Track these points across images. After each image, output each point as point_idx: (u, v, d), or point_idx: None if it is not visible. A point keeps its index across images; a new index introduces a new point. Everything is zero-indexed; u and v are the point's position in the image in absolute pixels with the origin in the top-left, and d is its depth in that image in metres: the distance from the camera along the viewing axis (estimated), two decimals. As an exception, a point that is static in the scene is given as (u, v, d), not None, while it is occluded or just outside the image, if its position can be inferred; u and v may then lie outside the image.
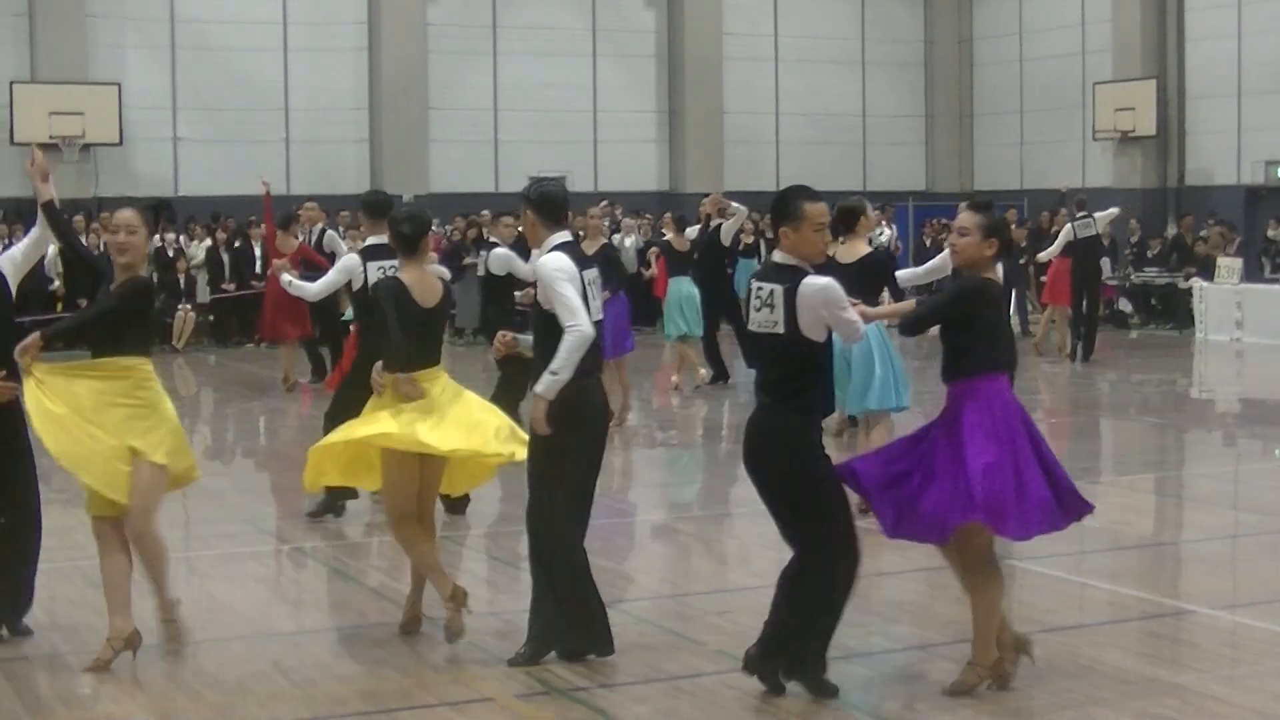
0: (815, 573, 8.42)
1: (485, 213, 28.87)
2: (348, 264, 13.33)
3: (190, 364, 28.18)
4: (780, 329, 8.35)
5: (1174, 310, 32.95)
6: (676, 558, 12.83)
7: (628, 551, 13.06)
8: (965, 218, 8.71)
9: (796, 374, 8.42)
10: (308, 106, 36.59)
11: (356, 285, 13.09)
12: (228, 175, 34.72)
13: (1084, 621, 10.40)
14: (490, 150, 38.21)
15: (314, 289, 13.64)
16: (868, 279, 12.70)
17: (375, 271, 12.62)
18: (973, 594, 8.60)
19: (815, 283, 8.33)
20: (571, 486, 9.14)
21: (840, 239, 13.24)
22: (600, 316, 9.28)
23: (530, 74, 38.31)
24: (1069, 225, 26.39)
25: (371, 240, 13.28)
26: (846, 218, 13.32)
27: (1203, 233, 33.84)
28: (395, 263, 11.35)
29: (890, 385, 13.37)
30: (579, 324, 8.90)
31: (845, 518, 8.48)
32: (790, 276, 8.36)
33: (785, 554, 11.60)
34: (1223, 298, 30.56)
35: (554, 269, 9.04)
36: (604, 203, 33.35)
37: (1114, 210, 28.02)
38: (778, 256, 8.51)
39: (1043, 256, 27.95)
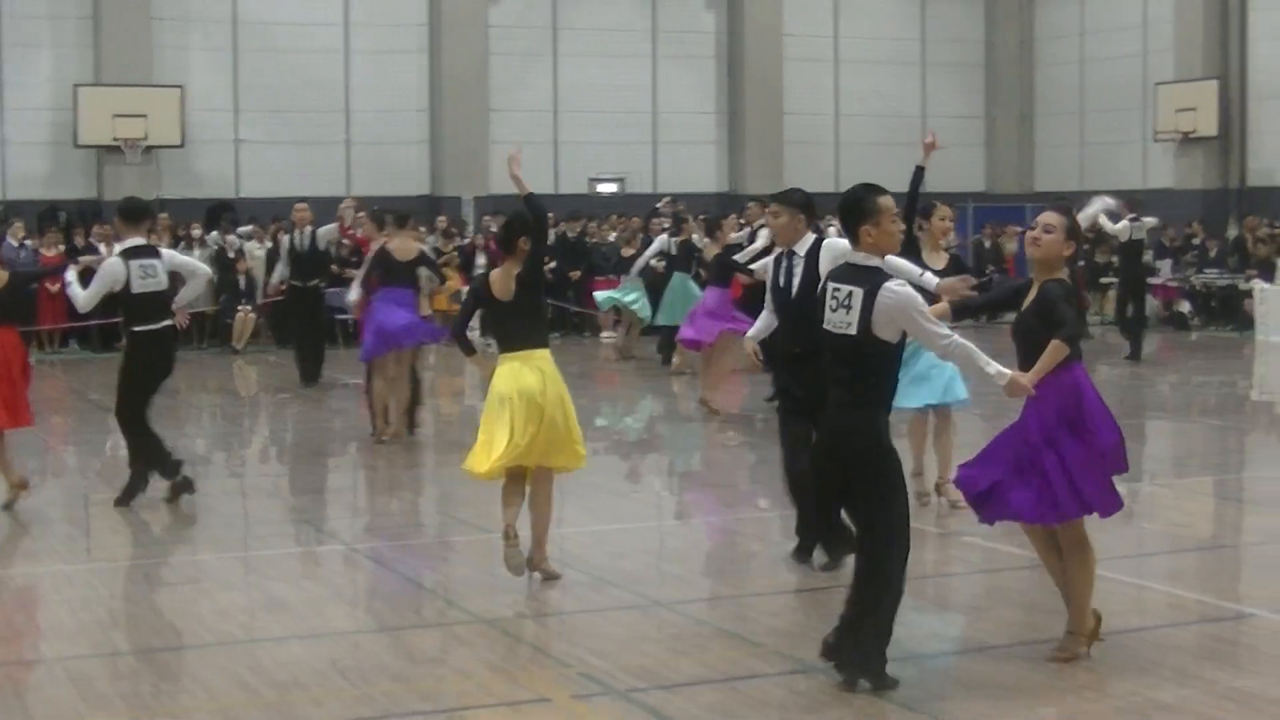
0: (876, 560, 8.58)
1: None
2: (111, 268, 14.19)
3: (250, 364, 28.32)
4: (853, 330, 8.48)
5: (1234, 312, 32.75)
6: (735, 558, 12.79)
7: (685, 552, 13.03)
8: (1051, 217, 9.12)
9: (866, 373, 8.57)
10: (369, 108, 36.74)
11: (119, 287, 14.07)
12: (289, 177, 34.89)
13: (1144, 624, 10.34)
14: (550, 151, 38.26)
15: (83, 298, 14.31)
16: None
17: (136, 268, 13.98)
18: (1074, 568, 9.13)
19: (897, 292, 8.48)
20: None
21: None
22: None
23: (590, 75, 38.38)
24: (1123, 223, 26.31)
25: (129, 243, 14.29)
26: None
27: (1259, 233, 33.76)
28: (154, 261, 14.07)
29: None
30: None
31: (904, 508, 8.70)
32: (870, 279, 8.52)
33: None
34: (1283, 300, 30.37)
35: None
36: (666, 199, 33.44)
37: (1153, 220, 28.14)
38: (857, 258, 8.66)
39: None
